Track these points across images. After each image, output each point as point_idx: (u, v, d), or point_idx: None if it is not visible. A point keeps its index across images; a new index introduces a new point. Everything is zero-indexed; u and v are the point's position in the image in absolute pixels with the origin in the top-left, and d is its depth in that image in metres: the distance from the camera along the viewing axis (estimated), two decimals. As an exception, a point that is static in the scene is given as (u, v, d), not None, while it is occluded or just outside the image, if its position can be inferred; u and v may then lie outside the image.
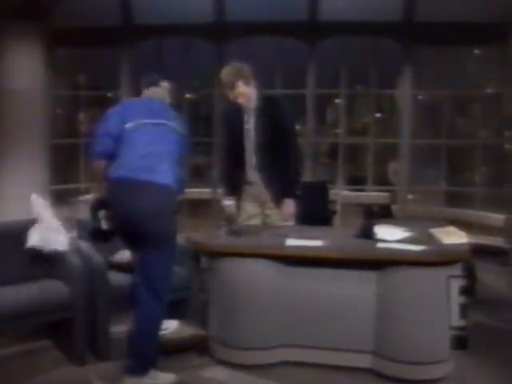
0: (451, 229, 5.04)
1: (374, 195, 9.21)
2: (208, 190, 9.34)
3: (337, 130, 9.95)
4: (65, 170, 9.40)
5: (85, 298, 4.78)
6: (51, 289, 4.82)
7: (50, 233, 4.99)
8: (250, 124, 5.37)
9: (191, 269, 5.16)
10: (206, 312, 5.01)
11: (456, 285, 4.49)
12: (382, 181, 9.68)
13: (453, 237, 4.85)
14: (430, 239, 4.84)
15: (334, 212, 7.37)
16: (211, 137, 9.23)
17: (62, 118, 9.92)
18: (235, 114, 5.43)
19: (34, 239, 4.96)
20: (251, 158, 5.40)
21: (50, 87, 8.43)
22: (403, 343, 4.55)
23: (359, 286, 4.64)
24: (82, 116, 9.72)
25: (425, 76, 9.13)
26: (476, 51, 9.19)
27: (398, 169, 9.42)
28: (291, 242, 4.73)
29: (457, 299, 4.50)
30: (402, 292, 4.54)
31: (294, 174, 5.44)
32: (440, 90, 9.08)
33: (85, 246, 5.06)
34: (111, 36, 9.10)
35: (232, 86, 5.22)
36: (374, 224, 4.91)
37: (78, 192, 9.25)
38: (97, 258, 4.90)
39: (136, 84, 4.65)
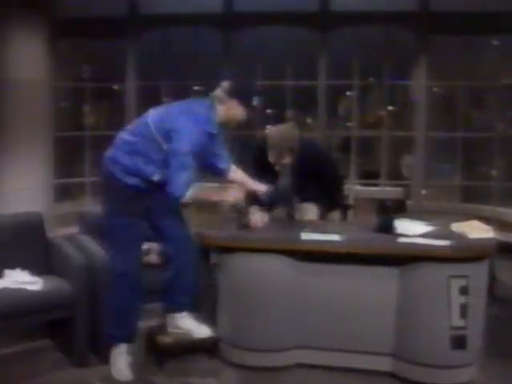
0: (476, 223, 4.75)
1: (387, 190, 8.89)
2: (216, 184, 9.02)
3: (349, 124, 9.64)
4: (69, 163, 9.16)
5: (87, 295, 4.55)
6: (52, 286, 4.56)
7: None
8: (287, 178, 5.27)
9: (200, 265, 4.86)
10: (215, 311, 4.77)
11: (456, 284, 4.24)
12: (396, 175, 9.40)
13: (478, 231, 4.58)
14: (455, 234, 4.56)
15: (349, 207, 7.07)
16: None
17: (66, 110, 9.65)
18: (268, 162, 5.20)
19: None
20: None
21: (53, 78, 8.23)
22: (426, 345, 4.30)
23: (379, 284, 4.39)
24: (86, 109, 9.44)
25: (440, 67, 8.82)
26: (493, 41, 8.88)
27: (411, 163, 9.15)
28: (307, 236, 4.46)
29: (457, 299, 4.25)
30: (425, 290, 4.28)
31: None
32: (456, 81, 8.77)
33: (87, 241, 4.80)
34: (116, 26, 8.86)
35: (279, 155, 5.11)
36: (394, 218, 4.63)
37: (83, 186, 9.00)
38: (100, 253, 4.64)
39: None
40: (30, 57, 7.73)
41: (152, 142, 4.26)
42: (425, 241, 4.32)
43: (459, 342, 4.27)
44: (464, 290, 4.22)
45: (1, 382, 4.36)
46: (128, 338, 4.48)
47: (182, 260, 4.51)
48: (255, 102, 4.47)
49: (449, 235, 4.48)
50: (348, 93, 9.74)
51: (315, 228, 4.63)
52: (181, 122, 4.21)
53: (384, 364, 4.45)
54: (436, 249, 4.22)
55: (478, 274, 4.32)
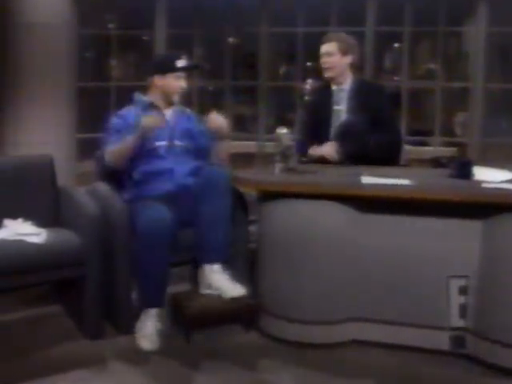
0: None
1: (441, 150, 8.19)
2: (253, 142, 8.35)
3: (396, 78, 8.94)
4: (93, 118, 8.54)
5: (100, 251, 3.85)
6: (58, 238, 3.87)
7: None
8: (342, 106, 4.76)
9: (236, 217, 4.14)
10: (254, 273, 4.07)
11: (456, 284, 3.62)
12: (448, 134, 8.68)
13: None
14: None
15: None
16: (256, 80, 8.25)
17: (91, 61, 9.06)
18: (321, 92, 4.88)
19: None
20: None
21: (77, 24, 7.57)
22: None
23: (458, 240, 3.61)
24: (112, 59, 8.82)
25: (501, 11, 8.02)
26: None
27: (466, 120, 8.41)
28: (368, 179, 3.68)
29: (457, 299, 3.63)
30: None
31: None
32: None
33: (103, 188, 4.11)
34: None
35: (325, 44, 4.77)
36: (472, 162, 3.84)
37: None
38: (117, 201, 3.95)
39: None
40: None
41: None
42: (516, 187, 3.52)
43: (459, 343, 3.69)
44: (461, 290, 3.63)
45: (1, 354, 3.70)
46: (159, 302, 3.91)
47: (216, 202, 3.93)
48: (181, 63, 4.29)
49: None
50: (396, 44, 9.11)
51: (377, 172, 3.84)
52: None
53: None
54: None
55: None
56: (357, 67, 4.89)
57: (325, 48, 4.76)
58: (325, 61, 4.75)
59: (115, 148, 4.13)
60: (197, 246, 3.94)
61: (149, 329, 3.80)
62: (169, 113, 4.37)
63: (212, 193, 3.90)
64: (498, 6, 7.90)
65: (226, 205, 3.95)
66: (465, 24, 8.30)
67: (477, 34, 7.99)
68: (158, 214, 3.82)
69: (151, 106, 4.33)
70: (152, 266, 3.81)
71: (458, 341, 3.66)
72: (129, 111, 4.34)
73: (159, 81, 4.31)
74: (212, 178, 3.97)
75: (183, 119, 4.42)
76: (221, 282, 3.83)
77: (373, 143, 4.48)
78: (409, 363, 3.68)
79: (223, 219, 3.93)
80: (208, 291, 3.84)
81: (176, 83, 4.32)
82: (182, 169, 4.18)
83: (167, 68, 4.30)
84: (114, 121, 4.30)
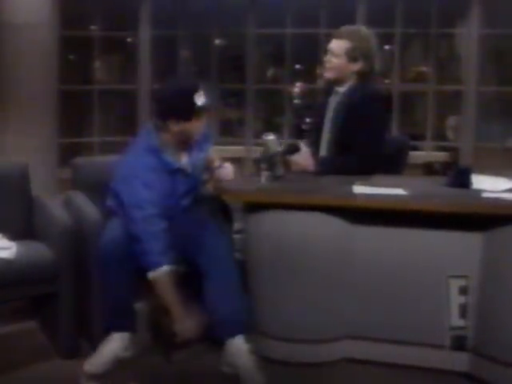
0: None
1: (433, 155, 8.15)
2: (240, 147, 8.22)
3: (387, 81, 8.81)
4: (76, 121, 8.45)
5: (74, 266, 3.64)
6: (29, 253, 3.65)
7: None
8: (332, 112, 4.08)
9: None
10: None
11: (456, 284, 3.44)
12: (440, 139, 8.66)
13: None
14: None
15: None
16: (244, 83, 8.14)
17: (74, 63, 9.01)
18: (324, 93, 4.23)
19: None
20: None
21: (60, 26, 7.54)
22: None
23: (457, 254, 3.42)
24: (96, 61, 8.73)
25: (493, 13, 7.99)
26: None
27: (458, 123, 8.44)
28: (361, 189, 3.47)
29: (457, 299, 3.45)
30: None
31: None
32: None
33: (79, 196, 3.90)
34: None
35: (334, 40, 4.01)
36: (471, 170, 3.64)
37: (91, 148, 8.22)
38: (92, 212, 3.71)
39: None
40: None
41: None
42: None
43: (459, 343, 3.51)
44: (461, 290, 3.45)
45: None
46: (121, 326, 3.53)
47: (223, 275, 3.53)
48: (201, 100, 3.53)
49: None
50: (386, 46, 8.90)
51: (369, 182, 3.62)
52: (125, 194, 3.53)
53: (459, 362, 3.51)
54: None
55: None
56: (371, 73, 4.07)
57: (332, 44, 4.03)
58: (327, 59, 4.03)
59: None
60: (214, 325, 3.48)
61: (103, 354, 3.44)
62: (185, 158, 3.71)
63: (218, 268, 3.49)
64: (490, 8, 7.89)
65: (234, 274, 3.55)
66: (457, 26, 8.33)
67: (469, 35, 8.02)
68: (111, 231, 3.49)
69: (177, 171, 3.65)
70: (109, 286, 3.49)
71: (458, 340, 3.49)
72: (153, 173, 3.56)
73: (177, 127, 3.56)
74: (215, 254, 3.54)
75: (198, 156, 3.80)
76: (243, 359, 3.39)
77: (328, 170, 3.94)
78: (404, 383, 3.51)
79: (235, 287, 3.53)
80: (228, 370, 3.42)
81: (198, 123, 3.61)
82: (183, 203, 3.74)
83: (189, 113, 3.55)
84: (144, 195, 3.50)
